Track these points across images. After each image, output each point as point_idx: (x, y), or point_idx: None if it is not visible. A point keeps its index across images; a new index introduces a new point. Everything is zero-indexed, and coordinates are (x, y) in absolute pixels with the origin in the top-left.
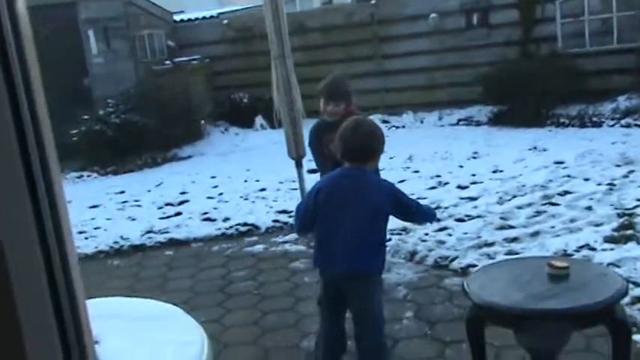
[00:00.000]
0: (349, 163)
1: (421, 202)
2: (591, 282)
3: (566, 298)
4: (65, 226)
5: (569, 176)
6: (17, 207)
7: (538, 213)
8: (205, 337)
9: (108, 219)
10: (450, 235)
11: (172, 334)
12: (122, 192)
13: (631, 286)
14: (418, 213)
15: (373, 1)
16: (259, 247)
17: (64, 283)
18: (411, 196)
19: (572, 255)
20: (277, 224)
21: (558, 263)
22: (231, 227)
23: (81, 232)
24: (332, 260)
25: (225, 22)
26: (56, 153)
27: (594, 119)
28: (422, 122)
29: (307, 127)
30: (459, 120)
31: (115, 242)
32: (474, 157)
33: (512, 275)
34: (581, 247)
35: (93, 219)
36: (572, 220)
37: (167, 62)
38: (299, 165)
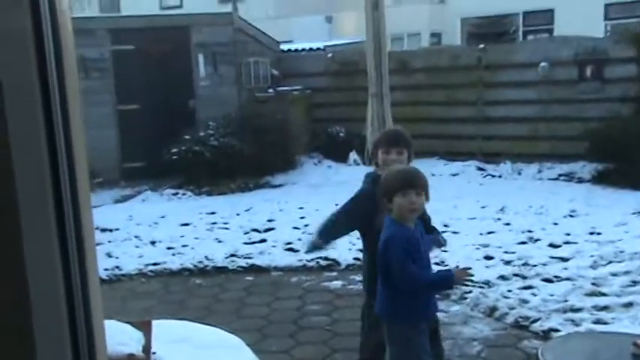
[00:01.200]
0: None
1: (502, 256)
2: None
3: None
4: (89, 249)
5: None
6: (42, 229)
7: (634, 283)
8: None
9: (196, 238)
10: (534, 294)
11: None
12: (213, 213)
13: None
14: (401, 282)
15: (482, 46)
16: (337, 284)
17: (82, 306)
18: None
19: None
20: (358, 262)
21: None
22: (312, 260)
23: (169, 248)
24: None
25: (329, 55)
26: (88, 174)
27: None
28: (519, 173)
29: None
30: (560, 175)
31: (200, 262)
32: (571, 216)
33: (592, 350)
34: None
35: (182, 236)
36: None
37: (270, 90)
38: None
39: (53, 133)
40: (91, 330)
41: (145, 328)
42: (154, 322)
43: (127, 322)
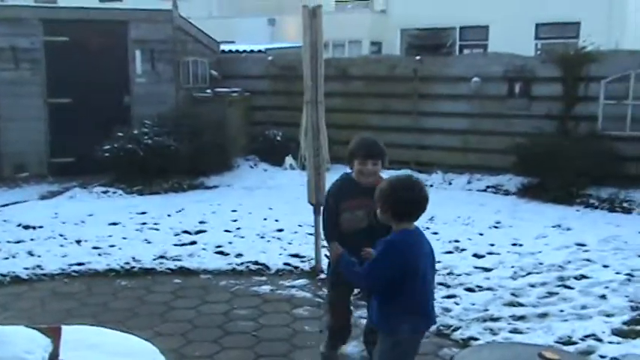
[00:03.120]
0: None
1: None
2: None
3: None
4: None
5: (588, 260)
6: None
7: (550, 294)
8: None
9: (124, 238)
10: (456, 303)
11: None
12: (143, 213)
13: None
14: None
15: (418, 57)
16: (266, 288)
17: None
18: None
19: (576, 343)
20: (288, 267)
21: (549, 355)
22: (242, 264)
23: (95, 248)
24: None
25: (270, 58)
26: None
27: (625, 205)
28: (450, 184)
29: (332, 173)
30: (488, 187)
31: (127, 263)
32: (496, 227)
33: None
34: (588, 336)
35: (110, 236)
36: (583, 307)
37: (208, 91)
38: (317, 211)
39: None
40: None
41: (54, 334)
42: (66, 328)
43: (35, 329)
